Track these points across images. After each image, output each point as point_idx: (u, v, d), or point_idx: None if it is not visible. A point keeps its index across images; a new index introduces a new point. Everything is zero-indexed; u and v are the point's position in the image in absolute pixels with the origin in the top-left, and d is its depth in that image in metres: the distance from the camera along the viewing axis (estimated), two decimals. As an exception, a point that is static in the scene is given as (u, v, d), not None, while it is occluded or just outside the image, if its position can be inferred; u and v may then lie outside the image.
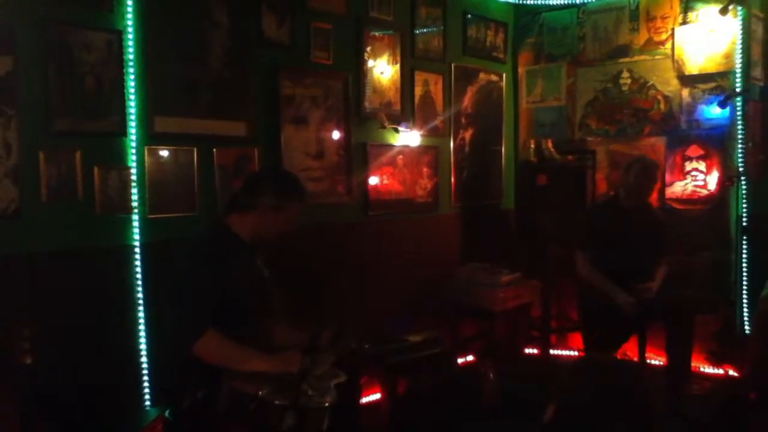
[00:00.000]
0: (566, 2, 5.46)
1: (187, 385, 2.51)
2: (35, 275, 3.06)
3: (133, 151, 3.37)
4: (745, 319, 4.76)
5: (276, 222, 2.73)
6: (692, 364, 4.74)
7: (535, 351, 5.36)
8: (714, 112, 4.79)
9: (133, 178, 3.37)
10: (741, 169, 4.71)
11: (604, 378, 1.38)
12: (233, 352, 2.51)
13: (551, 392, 1.61)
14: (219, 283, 2.53)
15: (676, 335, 4.11)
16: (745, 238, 4.76)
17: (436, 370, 4.15)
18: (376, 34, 4.59)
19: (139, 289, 3.37)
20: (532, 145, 5.47)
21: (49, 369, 2.89)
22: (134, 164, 3.38)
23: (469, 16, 5.32)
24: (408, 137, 4.76)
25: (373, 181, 4.62)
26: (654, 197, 5.00)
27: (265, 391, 2.41)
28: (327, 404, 2.43)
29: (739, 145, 4.72)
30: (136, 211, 3.38)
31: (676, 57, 4.95)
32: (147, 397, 3.41)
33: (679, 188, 4.98)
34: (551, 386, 1.77)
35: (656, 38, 5.07)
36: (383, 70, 4.63)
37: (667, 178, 5.01)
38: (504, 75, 5.68)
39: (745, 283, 4.75)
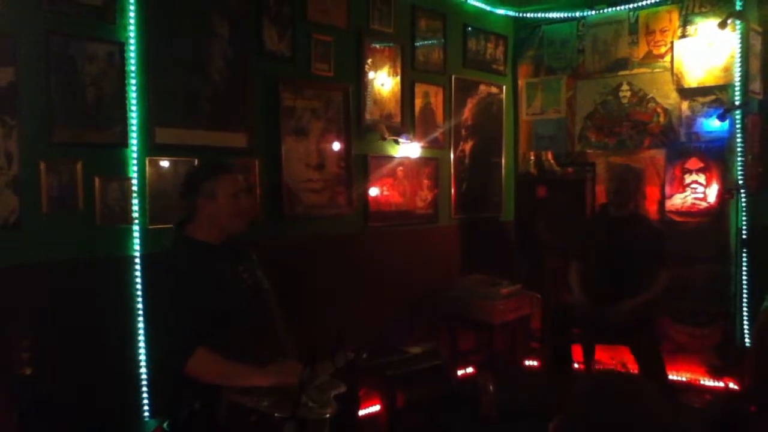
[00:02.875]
0: (566, 15, 5.49)
1: (185, 397, 2.50)
2: (35, 286, 3.05)
3: (134, 161, 3.38)
4: (745, 331, 4.75)
5: (223, 207, 2.65)
6: (692, 377, 4.75)
7: (535, 363, 5.35)
8: (713, 124, 4.80)
9: (134, 188, 3.38)
10: (740, 182, 4.73)
11: (608, 390, 1.37)
12: (229, 369, 2.46)
13: (554, 405, 1.61)
14: (198, 296, 2.48)
15: (640, 347, 4.14)
16: (744, 250, 4.76)
17: (435, 381, 4.14)
18: (377, 46, 4.60)
19: (139, 299, 3.36)
20: (532, 157, 5.47)
21: (49, 379, 2.88)
22: (135, 175, 3.38)
23: (469, 28, 5.35)
24: (408, 149, 4.77)
25: (374, 192, 4.62)
26: (654, 209, 5.02)
27: (265, 403, 2.40)
28: (327, 415, 2.42)
29: (739, 158, 4.74)
30: (136, 221, 3.38)
31: (675, 70, 4.97)
32: (146, 407, 3.40)
33: (678, 201, 4.98)
34: (553, 399, 1.77)
35: (656, 51, 5.08)
36: (384, 82, 4.65)
37: (667, 190, 5.02)
38: (504, 87, 5.70)
39: (744, 295, 4.75)
